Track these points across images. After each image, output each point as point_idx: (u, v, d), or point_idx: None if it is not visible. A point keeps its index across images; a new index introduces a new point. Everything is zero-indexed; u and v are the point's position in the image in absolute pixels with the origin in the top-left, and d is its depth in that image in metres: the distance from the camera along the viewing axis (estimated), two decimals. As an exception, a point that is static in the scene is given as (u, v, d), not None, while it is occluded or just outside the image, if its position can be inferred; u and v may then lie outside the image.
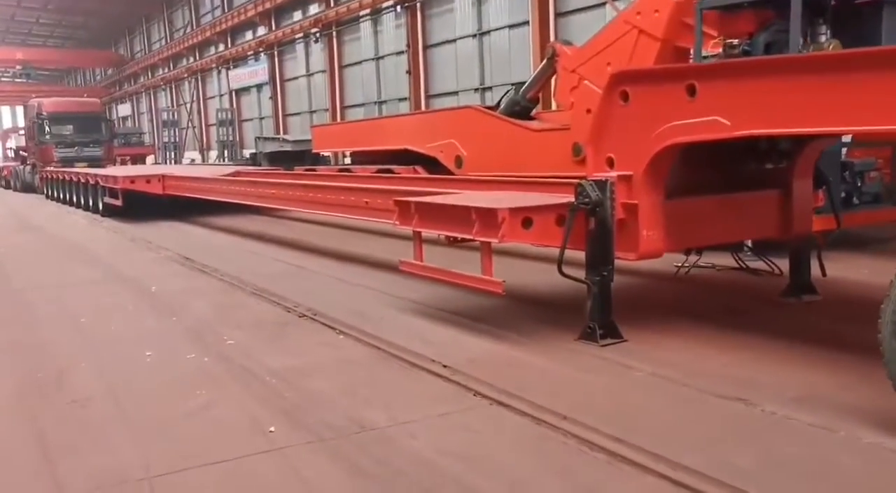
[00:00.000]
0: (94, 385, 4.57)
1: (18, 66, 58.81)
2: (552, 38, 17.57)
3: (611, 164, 5.15)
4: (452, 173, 11.19)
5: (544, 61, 10.05)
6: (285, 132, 31.12)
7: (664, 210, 5.00)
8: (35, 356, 5.28)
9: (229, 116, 37.24)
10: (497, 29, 19.97)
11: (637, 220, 4.92)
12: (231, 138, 36.60)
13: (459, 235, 5.43)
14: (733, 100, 4.29)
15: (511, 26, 19.38)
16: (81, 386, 4.55)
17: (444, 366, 4.60)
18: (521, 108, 10.57)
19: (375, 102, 25.95)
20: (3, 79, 67.07)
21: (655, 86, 4.83)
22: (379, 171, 13.32)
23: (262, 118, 35.32)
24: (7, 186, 32.20)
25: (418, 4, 22.62)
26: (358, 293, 6.99)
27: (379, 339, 5.27)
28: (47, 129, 25.48)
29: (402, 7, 22.98)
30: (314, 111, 30.43)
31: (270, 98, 33.56)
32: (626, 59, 8.38)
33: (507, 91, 11.22)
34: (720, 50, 5.09)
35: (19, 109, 58.48)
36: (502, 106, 10.75)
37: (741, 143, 4.82)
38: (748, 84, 4.21)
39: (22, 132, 32.76)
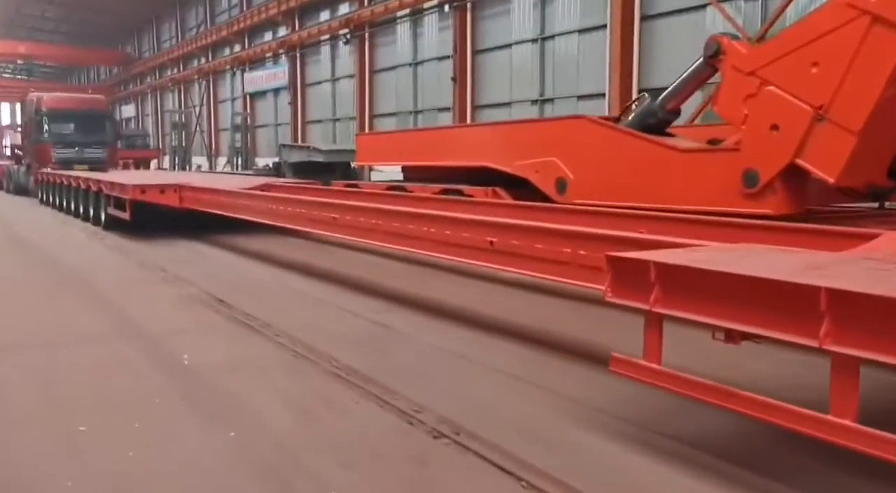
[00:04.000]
0: None
1: (20, 61, 56.59)
2: (636, 44, 15.23)
3: None
4: (549, 200, 8.88)
5: (698, 61, 7.73)
6: (303, 140, 28.74)
7: None
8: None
9: (244, 120, 34.83)
10: (563, 33, 17.56)
11: None
12: (244, 145, 34.16)
13: (776, 336, 2.99)
14: None
15: (581, 30, 16.99)
16: None
17: None
18: (658, 120, 8.23)
19: (410, 112, 23.52)
20: (5, 74, 64.70)
21: None
22: (443, 191, 10.98)
23: (278, 125, 32.90)
24: (-1, 187, 29.73)
25: (469, 4, 20.24)
26: (507, 388, 4.53)
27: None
28: (46, 126, 22.85)
29: (449, 6, 20.61)
30: (338, 119, 28.05)
31: (290, 103, 31.15)
32: (845, 58, 6.10)
33: (638, 97, 8.89)
34: None
35: (19, 107, 56.24)
36: (632, 117, 8.39)
37: None
38: None
39: (20, 129, 30.19)
